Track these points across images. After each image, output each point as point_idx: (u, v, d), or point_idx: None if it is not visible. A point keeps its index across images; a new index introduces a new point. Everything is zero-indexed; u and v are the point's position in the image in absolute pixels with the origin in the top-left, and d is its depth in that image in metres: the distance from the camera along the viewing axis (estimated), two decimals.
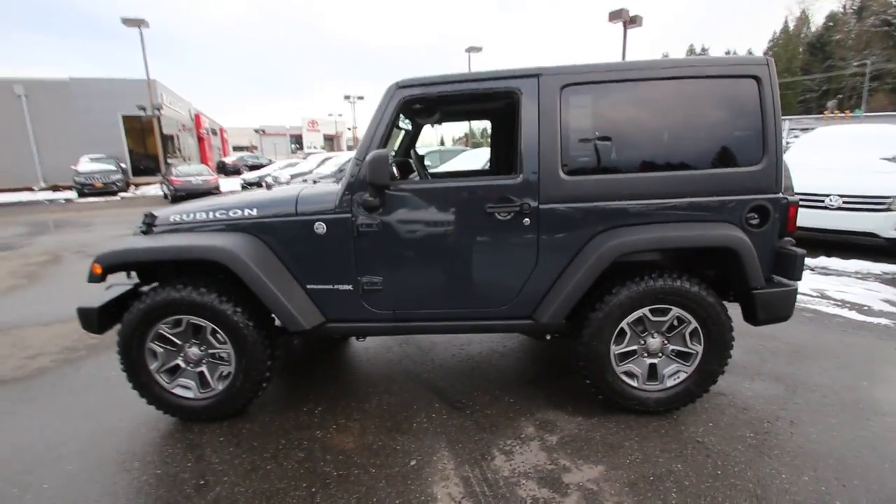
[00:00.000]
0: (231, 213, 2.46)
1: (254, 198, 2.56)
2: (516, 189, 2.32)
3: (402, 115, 3.10)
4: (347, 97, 43.28)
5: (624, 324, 2.38)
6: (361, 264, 2.42)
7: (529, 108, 2.30)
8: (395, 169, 2.56)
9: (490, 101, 2.97)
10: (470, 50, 25.79)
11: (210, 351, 2.45)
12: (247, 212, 2.45)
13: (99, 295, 2.53)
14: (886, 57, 40.77)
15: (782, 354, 3.24)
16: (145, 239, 2.45)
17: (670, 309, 2.36)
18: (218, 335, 2.39)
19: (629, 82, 2.28)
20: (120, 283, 2.71)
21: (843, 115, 23.99)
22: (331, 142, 57.52)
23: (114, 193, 19.48)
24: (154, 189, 20.89)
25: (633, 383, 2.46)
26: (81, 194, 19.23)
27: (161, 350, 2.44)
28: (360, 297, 2.45)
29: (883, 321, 3.81)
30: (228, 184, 20.74)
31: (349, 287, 2.44)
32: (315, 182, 3.07)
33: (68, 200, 18.78)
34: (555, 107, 2.29)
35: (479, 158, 9.66)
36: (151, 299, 2.33)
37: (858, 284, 4.83)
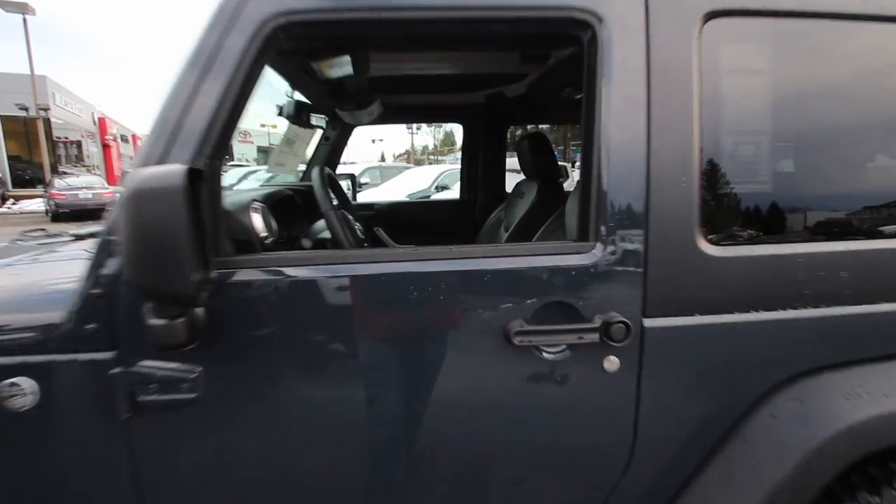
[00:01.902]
0: None
1: None
2: (586, 279, 0.87)
3: (296, 90, 1.58)
4: (280, 108, 40.67)
5: None
6: (151, 495, 0.85)
7: (618, 67, 0.88)
8: (259, 217, 1.01)
9: (499, 54, 1.54)
10: None
11: None
12: None
13: None
14: None
15: None
16: None
17: None
18: None
19: (869, 22, 0.92)
20: None
21: None
22: (265, 154, 53.86)
23: None
24: (37, 204, 17.54)
25: None
26: None
27: None
28: None
29: None
30: None
31: None
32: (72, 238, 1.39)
33: None
34: (687, 65, 0.88)
35: (425, 178, 8.26)
36: None
37: None
